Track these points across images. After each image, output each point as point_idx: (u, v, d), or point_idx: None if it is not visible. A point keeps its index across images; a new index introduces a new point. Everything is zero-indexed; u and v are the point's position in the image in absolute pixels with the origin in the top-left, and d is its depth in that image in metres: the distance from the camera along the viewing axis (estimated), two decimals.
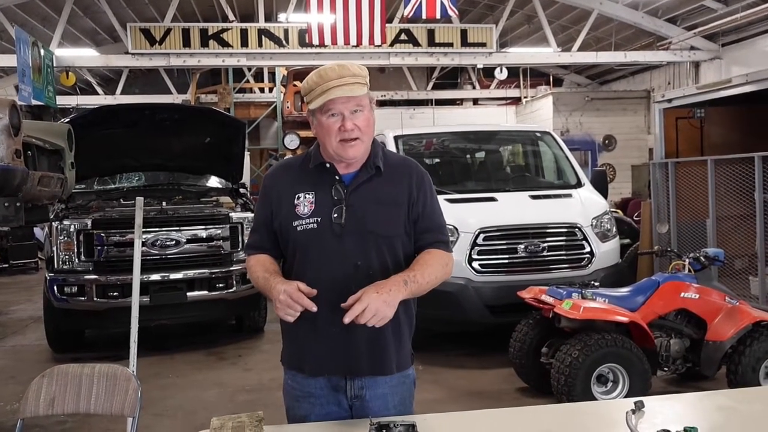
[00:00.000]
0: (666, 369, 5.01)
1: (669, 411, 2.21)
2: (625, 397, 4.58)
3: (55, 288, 6.54)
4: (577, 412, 2.38)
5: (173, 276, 6.73)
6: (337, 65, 2.10)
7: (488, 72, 17.96)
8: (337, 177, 2.15)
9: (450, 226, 5.70)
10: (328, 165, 2.16)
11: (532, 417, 2.20)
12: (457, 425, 2.01)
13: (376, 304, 1.94)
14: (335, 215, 2.11)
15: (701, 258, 5.06)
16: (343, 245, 2.11)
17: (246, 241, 2.49)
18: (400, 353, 2.17)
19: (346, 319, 1.94)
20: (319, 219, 2.12)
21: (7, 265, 14.21)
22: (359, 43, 12.22)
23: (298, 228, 2.13)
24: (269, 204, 2.22)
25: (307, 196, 2.15)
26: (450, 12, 12.31)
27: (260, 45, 12.65)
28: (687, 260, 5.14)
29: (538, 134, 7.83)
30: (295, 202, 2.15)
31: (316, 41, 12.12)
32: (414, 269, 2.10)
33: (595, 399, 4.56)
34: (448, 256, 2.23)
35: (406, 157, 2.36)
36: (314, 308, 1.99)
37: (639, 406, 2.12)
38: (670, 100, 8.09)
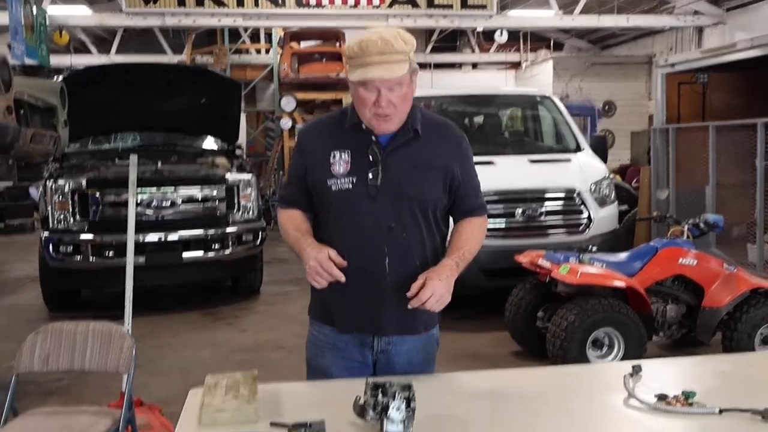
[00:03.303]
0: (661, 334, 5.02)
1: (666, 375, 2.20)
2: (621, 360, 4.60)
3: (51, 247, 6.52)
4: (575, 374, 2.37)
5: (169, 237, 6.70)
6: (381, 39, 1.99)
7: (488, 35, 17.72)
8: (373, 138, 2.11)
9: None
10: (364, 126, 2.12)
11: (529, 378, 2.19)
12: (454, 386, 2.00)
13: (440, 291, 1.99)
14: (371, 177, 2.09)
15: (700, 224, 5.04)
16: (377, 207, 2.09)
17: (280, 192, 2.47)
18: (429, 313, 2.15)
19: (413, 304, 1.99)
20: (354, 179, 2.10)
21: (3, 225, 14.17)
22: (357, 3, 12.01)
23: (333, 187, 2.11)
24: (304, 159, 2.20)
25: (342, 155, 2.11)
26: None
27: (257, 5, 12.38)
28: (686, 226, 5.12)
29: (539, 98, 7.76)
30: (331, 160, 2.12)
31: (313, 1, 11.91)
32: (461, 246, 2.14)
33: (590, 363, 4.57)
34: (485, 221, 2.27)
35: (445, 120, 2.30)
36: (343, 279, 2.01)
37: (636, 370, 2.11)
38: (673, 65, 7.99)
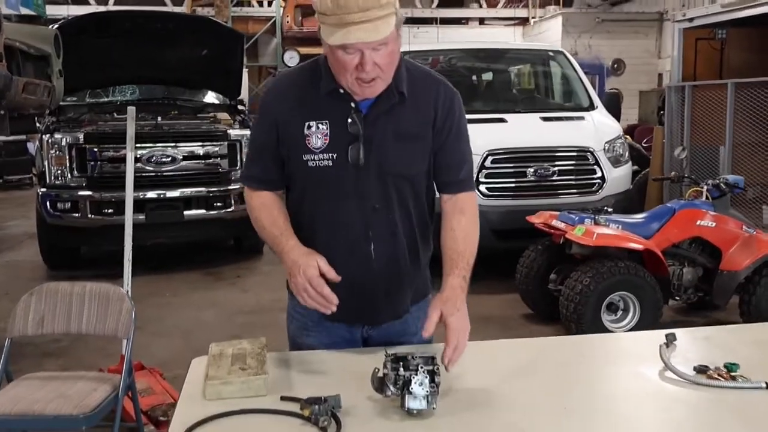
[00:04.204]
0: (677, 298, 4.91)
1: (702, 345, 2.06)
2: (636, 325, 4.49)
3: (48, 204, 6.40)
4: (604, 343, 2.23)
5: (169, 194, 6.57)
6: None
7: None
8: (353, 105, 1.82)
9: None
10: (342, 91, 1.81)
11: (556, 348, 2.05)
12: (478, 356, 1.84)
13: (463, 326, 1.74)
14: (352, 152, 1.82)
15: (721, 185, 4.87)
16: (360, 186, 1.84)
17: (243, 169, 2.14)
18: (418, 292, 1.98)
19: (451, 364, 1.68)
20: (334, 155, 1.82)
21: (0, 181, 14.04)
22: None
23: (310, 163, 1.83)
24: (274, 127, 1.88)
25: (320, 126, 1.83)
26: None
27: None
28: (705, 187, 4.95)
29: (551, 54, 7.52)
30: (306, 132, 1.83)
31: None
32: (461, 252, 1.85)
33: (604, 327, 4.47)
34: (474, 198, 1.97)
35: (434, 75, 1.97)
36: (335, 302, 1.74)
37: (671, 339, 1.95)
38: (691, 19, 7.71)
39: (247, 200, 1.99)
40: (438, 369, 1.58)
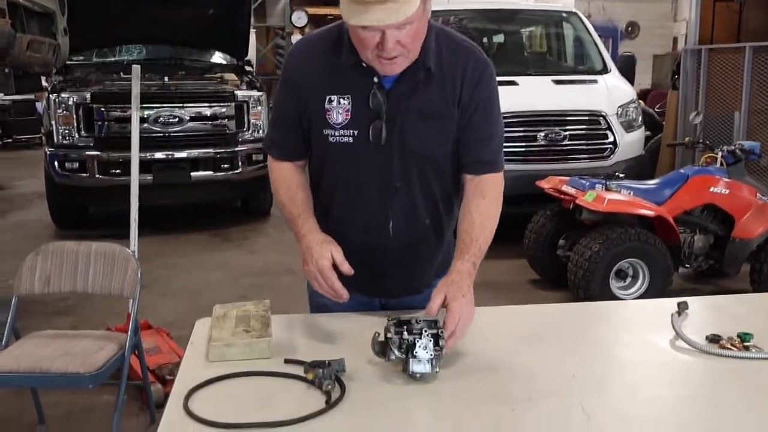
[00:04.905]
0: (687, 266, 4.87)
1: (714, 314, 2.02)
2: (644, 292, 4.46)
3: (56, 163, 6.41)
4: (614, 311, 2.19)
5: (177, 155, 6.55)
6: None
7: None
8: (376, 80, 1.72)
9: None
10: (365, 64, 1.70)
11: (565, 315, 2.02)
12: (484, 322, 1.81)
13: (466, 311, 1.63)
14: (374, 131, 1.74)
15: (736, 151, 4.78)
16: (381, 164, 1.76)
17: (266, 134, 2.02)
18: (442, 264, 1.90)
19: (449, 346, 1.58)
20: (355, 132, 1.74)
21: (10, 140, 14.05)
22: None
23: (330, 138, 1.76)
24: (296, 95, 1.79)
25: (341, 101, 1.74)
26: None
27: None
28: (720, 153, 4.86)
29: (564, 15, 7.37)
30: (327, 105, 1.75)
31: None
32: (475, 238, 1.75)
33: (612, 294, 4.44)
34: (500, 181, 1.85)
35: (465, 45, 1.81)
36: (346, 298, 1.71)
37: (683, 308, 1.91)
38: None
39: (269, 169, 1.92)
40: (442, 332, 1.55)
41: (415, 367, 1.50)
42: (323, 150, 1.80)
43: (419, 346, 1.50)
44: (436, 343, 1.52)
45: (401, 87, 1.73)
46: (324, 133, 1.77)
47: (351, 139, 1.75)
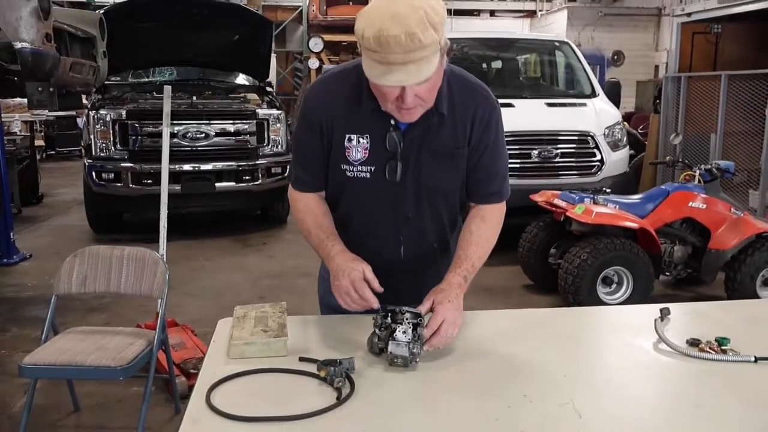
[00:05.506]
0: (668, 274, 4.83)
1: (694, 319, 1.98)
2: (628, 298, 4.43)
3: (94, 174, 6.43)
4: (600, 315, 2.17)
5: (203, 167, 6.57)
6: (406, 34, 1.44)
7: None
8: (392, 122, 1.70)
9: None
10: (383, 110, 1.67)
11: (554, 319, 1.99)
12: (475, 324, 1.80)
13: (451, 315, 1.61)
14: (390, 168, 1.72)
15: (713, 169, 4.75)
16: (395, 197, 1.76)
17: (290, 170, 1.98)
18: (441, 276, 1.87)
19: (431, 344, 1.57)
20: (372, 169, 1.73)
21: (54, 152, 14.14)
22: None
23: (348, 173, 1.75)
24: (317, 131, 1.75)
25: (361, 140, 1.72)
26: None
27: None
28: (698, 171, 4.84)
29: (556, 44, 7.36)
30: (346, 144, 1.73)
31: None
32: (470, 255, 1.74)
33: (599, 298, 4.41)
34: (502, 209, 1.85)
35: (475, 87, 1.79)
36: (376, 305, 1.64)
37: (665, 313, 1.89)
38: (689, 14, 7.48)
39: (291, 201, 1.88)
40: (423, 323, 1.55)
41: (394, 348, 1.51)
42: (341, 182, 1.79)
43: (399, 331, 1.52)
44: (414, 329, 1.53)
45: (416, 130, 1.72)
46: (342, 167, 1.76)
47: (368, 174, 1.74)
